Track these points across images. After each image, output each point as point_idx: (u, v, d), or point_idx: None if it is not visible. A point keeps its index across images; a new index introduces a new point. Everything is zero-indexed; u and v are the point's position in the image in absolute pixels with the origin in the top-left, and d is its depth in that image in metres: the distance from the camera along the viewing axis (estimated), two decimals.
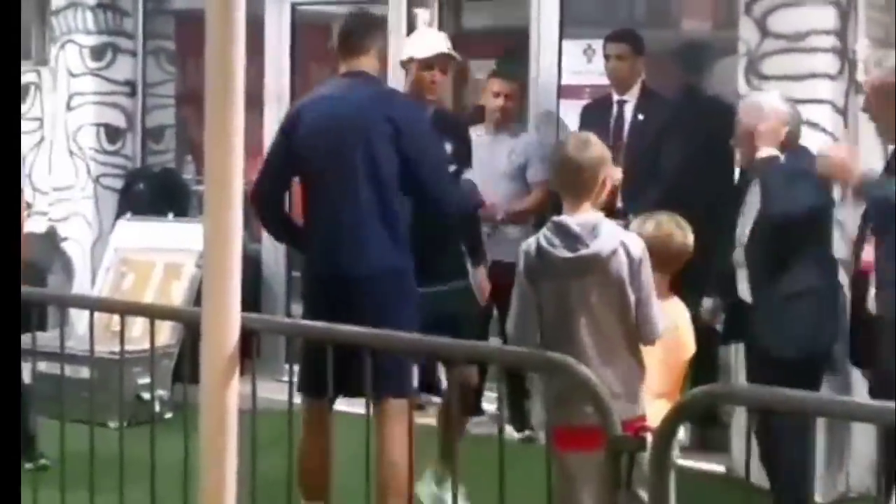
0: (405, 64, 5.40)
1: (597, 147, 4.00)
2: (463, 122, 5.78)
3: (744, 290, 5.08)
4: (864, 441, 5.62)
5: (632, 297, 3.86)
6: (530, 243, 3.96)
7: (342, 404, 4.39)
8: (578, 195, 3.94)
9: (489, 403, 6.27)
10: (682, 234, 4.28)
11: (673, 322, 4.13)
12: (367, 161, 4.66)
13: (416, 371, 4.36)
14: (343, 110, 4.74)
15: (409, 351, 3.77)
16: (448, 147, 5.25)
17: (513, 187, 6.56)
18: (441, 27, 6.97)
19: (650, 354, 3.98)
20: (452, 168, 5.19)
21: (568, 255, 3.87)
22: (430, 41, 5.43)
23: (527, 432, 6.48)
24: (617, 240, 3.89)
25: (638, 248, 3.90)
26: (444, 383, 5.07)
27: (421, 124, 4.89)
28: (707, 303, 5.34)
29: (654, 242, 4.10)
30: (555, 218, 3.96)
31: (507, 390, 6.22)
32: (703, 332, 5.31)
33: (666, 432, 2.84)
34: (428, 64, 5.28)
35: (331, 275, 4.67)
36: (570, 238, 3.87)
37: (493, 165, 6.39)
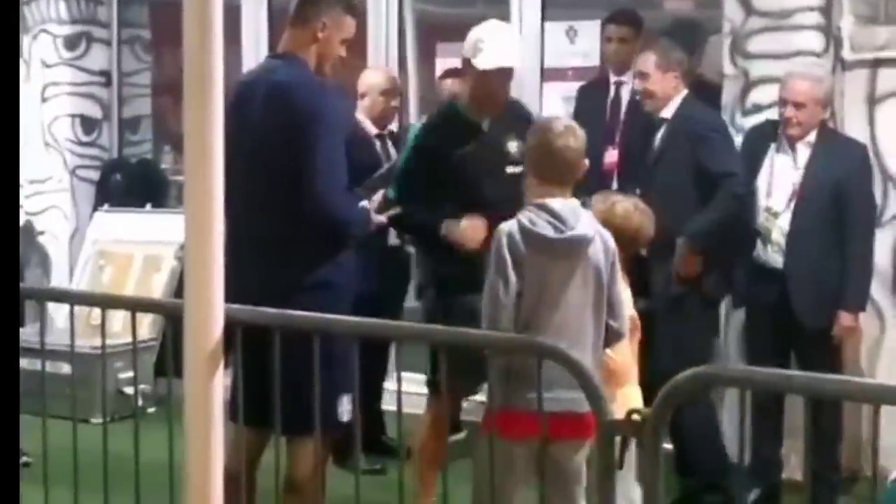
0: (464, 61, 4.93)
1: (581, 132, 4.02)
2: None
3: (771, 257, 5.28)
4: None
5: (604, 283, 3.91)
6: (511, 226, 3.93)
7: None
8: (567, 182, 3.98)
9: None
10: (648, 219, 4.32)
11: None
12: (272, 163, 4.20)
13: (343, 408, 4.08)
14: (248, 103, 4.25)
15: (396, 337, 3.75)
16: (513, 146, 4.83)
17: None
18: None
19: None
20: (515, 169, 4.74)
21: (556, 236, 3.88)
22: (495, 50, 4.80)
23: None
24: (594, 228, 3.96)
25: (612, 240, 3.99)
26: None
27: (315, 118, 4.17)
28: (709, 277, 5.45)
29: (618, 226, 4.16)
30: (537, 201, 3.95)
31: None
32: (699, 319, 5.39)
33: (658, 416, 2.82)
34: (487, 74, 4.78)
35: (253, 292, 3.72)
36: (556, 220, 3.89)
37: None
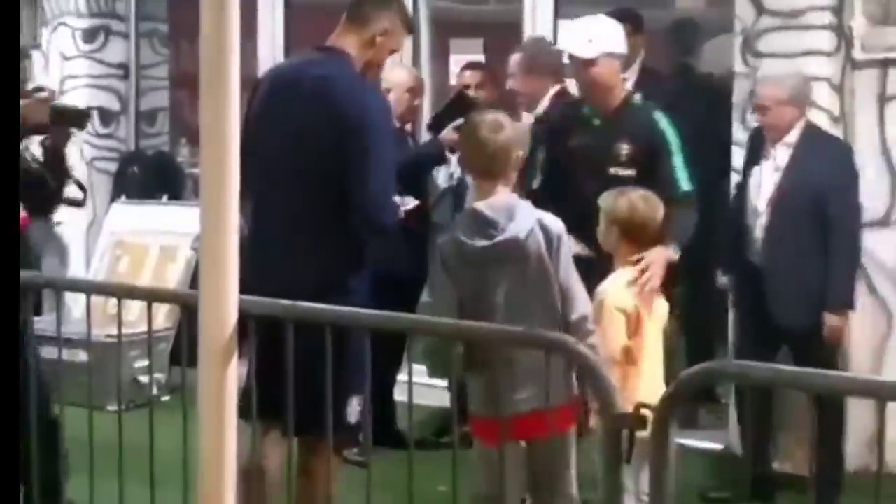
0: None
1: (508, 128, 3.98)
2: None
3: (755, 257, 5.31)
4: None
5: (551, 274, 3.86)
6: (447, 236, 3.94)
7: None
8: (493, 177, 3.93)
9: None
10: (653, 209, 4.33)
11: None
12: (306, 162, 4.07)
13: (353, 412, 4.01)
14: (286, 95, 4.14)
15: (406, 330, 3.77)
16: (624, 148, 4.81)
17: None
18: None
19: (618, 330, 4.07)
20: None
21: (485, 243, 3.85)
22: (568, 41, 4.84)
23: None
24: (533, 219, 3.89)
25: (556, 225, 3.91)
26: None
27: (363, 123, 4.02)
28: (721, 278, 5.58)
29: (628, 218, 4.23)
30: (468, 207, 3.94)
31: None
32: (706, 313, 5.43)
33: (665, 411, 2.84)
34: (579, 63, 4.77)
35: (267, 292, 3.51)
36: (485, 225, 3.86)
37: None
